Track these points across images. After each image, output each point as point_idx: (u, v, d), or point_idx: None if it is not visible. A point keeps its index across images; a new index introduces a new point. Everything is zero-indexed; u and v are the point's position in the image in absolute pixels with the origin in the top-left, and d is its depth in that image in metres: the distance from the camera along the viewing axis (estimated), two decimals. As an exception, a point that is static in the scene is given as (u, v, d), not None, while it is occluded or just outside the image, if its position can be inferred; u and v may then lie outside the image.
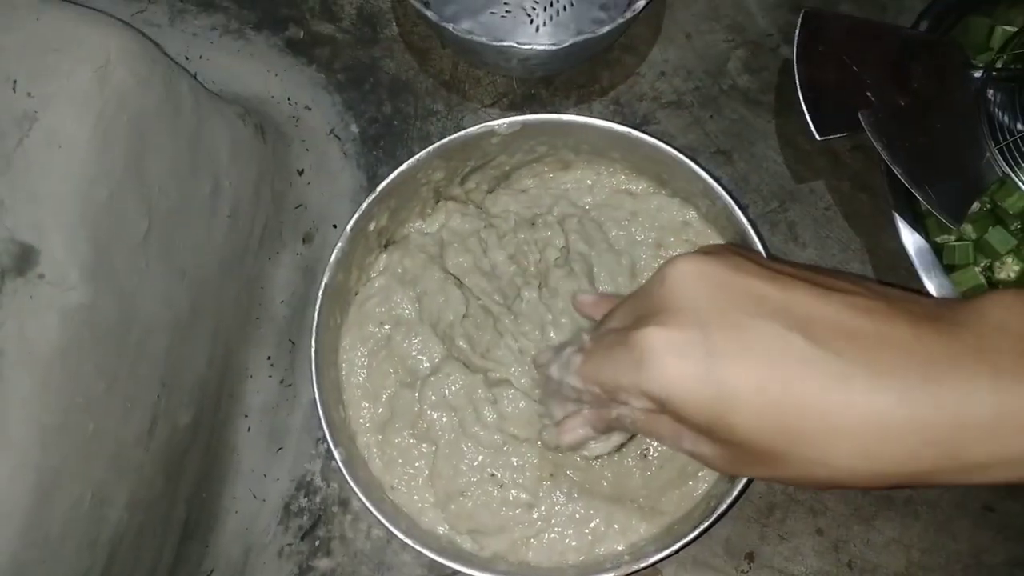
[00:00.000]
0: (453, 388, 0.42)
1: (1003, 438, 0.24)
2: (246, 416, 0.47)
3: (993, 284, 0.45)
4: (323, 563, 0.45)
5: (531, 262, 0.44)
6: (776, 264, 0.28)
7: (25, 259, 0.33)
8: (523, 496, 0.41)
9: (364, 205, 0.41)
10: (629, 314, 0.29)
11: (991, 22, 0.49)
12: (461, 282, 0.44)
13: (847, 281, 0.27)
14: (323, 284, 0.41)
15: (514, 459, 0.41)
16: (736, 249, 0.29)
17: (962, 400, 0.24)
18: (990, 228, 0.45)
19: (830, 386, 0.24)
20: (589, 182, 0.46)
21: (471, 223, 0.45)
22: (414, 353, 0.43)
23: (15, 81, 0.34)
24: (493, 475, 0.41)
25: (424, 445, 0.42)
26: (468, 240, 0.45)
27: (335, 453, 0.39)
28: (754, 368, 0.25)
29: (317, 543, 0.45)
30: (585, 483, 0.41)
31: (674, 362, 0.25)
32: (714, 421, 0.26)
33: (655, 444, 0.42)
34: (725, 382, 0.25)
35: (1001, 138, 0.45)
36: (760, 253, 0.30)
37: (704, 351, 0.25)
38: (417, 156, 0.42)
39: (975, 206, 0.45)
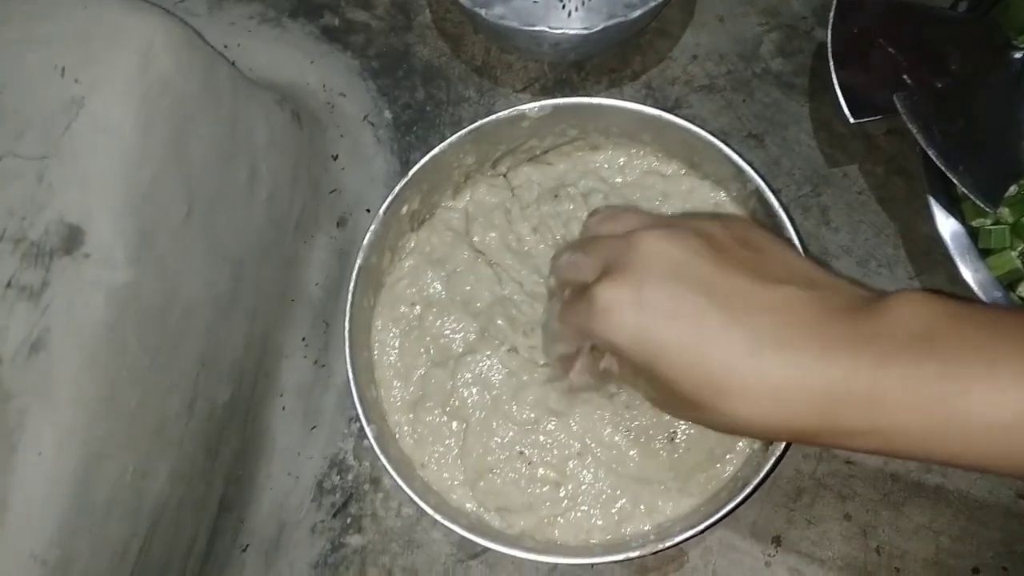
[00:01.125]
0: (484, 368, 0.42)
1: (872, 411, 0.29)
2: (281, 395, 0.48)
3: (1030, 269, 0.44)
4: (354, 540, 0.46)
5: (557, 236, 0.45)
6: (737, 251, 0.32)
7: (72, 239, 0.34)
8: (551, 474, 0.41)
9: (396, 189, 0.42)
10: (597, 265, 0.34)
11: (1034, 2, 0.48)
12: (494, 263, 0.45)
13: (791, 270, 0.32)
14: (356, 267, 0.42)
15: (542, 437, 0.42)
16: (705, 230, 0.33)
17: (843, 376, 0.29)
18: (1028, 212, 0.44)
19: (740, 353, 0.29)
20: (620, 162, 0.46)
21: (497, 195, 0.46)
22: (447, 332, 0.44)
23: (63, 68, 0.35)
24: (522, 453, 0.42)
25: (455, 423, 0.43)
26: (493, 213, 0.45)
27: (367, 430, 0.40)
28: (678, 330, 0.30)
29: (349, 520, 0.46)
30: (612, 463, 0.42)
31: (617, 313, 0.31)
32: (647, 366, 0.31)
33: (682, 427, 0.42)
34: (654, 338, 0.30)
35: (1041, 120, 0.44)
36: (734, 238, 0.34)
37: (640, 309, 0.31)
38: (448, 140, 0.42)
39: (1012, 189, 0.45)
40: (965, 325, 0.29)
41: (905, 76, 0.45)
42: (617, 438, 0.42)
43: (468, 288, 0.44)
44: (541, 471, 0.41)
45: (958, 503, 0.45)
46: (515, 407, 0.42)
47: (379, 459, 0.40)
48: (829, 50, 0.45)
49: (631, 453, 0.42)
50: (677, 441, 0.42)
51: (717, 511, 0.39)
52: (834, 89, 0.45)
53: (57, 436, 0.33)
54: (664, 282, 0.31)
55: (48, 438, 0.33)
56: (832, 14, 0.46)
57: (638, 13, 0.44)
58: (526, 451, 0.42)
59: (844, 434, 0.30)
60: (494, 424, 0.42)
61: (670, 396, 0.32)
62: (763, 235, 0.34)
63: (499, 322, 0.43)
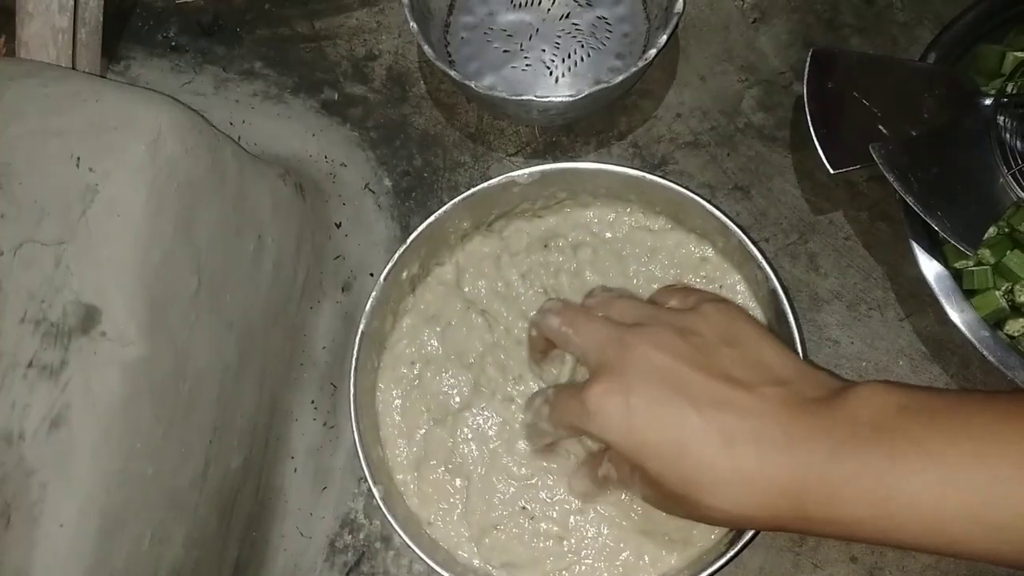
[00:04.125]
0: (481, 421, 0.44)
1: (831, 502, 0.31)
2: (292, 457, 0.49)
3: (1015, 307, 0.45)
4: (368, 597, 0.47)
5: (545, 286, 0.46)
6: (720, 351, 0.35)
7: (89, 319, 0.36)
8: (554, 529, 0.42)
9: (396, 256, 0.44)
10: (587, 351, 0.37)
11: (1002, 49, 0.49)
12: (483, 311, 0.46)
13: (765, 367, 0.35)
14: (360, 331, 0.43)
15: (543, 493, 0.43)
16: (691, 332, 0.36)
17: (804, 470, 0.31)
18: (1008, 252, 0.45)
19: (716, 451, 0.32)
20: (610, 218, 0.48)
21: (488, 246, 0.47)
22: (445, 389, 0.45)
23: (79, 158, 0.38)
24: (524, 508, 0.42)
25: (458, 480, 0.44)
26: (483, 263, 0.47)
27: (374, 490, 0.42)
28: (661, 431, 0.33)
29: (361, 578, 0.47)
30: (615, 516, 0.42)
31: (608, 416, 0.34)
32: (636, 463, 0.35)
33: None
34: (641, 438, 0.34)
35: (1014, 163, 0.45)
36: (719, 338, 0.36)
37: (629, 412, 0.34)
38: (444, 208, 0.44)
39: (992, 231, 0.46)
40: (911, 418, 0.31)
41: (880, 126, 0.47)
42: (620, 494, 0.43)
43: (461, 340, 0.46)
44: (544, 526, 0.42)
45: (961, 541, 0.46)
46: (511, 461, 0.43)
47: (387, 518, 0.41)
48: (806, 104, 0.47)
49: (635, 506, 0.42)
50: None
51: (721, 558, 0.40)
52: (813, 141, 0.46)
53: (77, 507, 0.34)
54: (650, 387, 0.34)
55: (68, 510, 0.34)
56: (807, 69, 0.48)
57: (621, 78, 0.47)
58: (528, 506, 0.43)
59: (812, 522, 0.32)
60: (494, 480, 0.43)
61: (660, 493, 0.35)
62: (744, 327, 0.37)
63: (490, 371, 0.45)
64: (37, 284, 0.36)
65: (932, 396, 0.32)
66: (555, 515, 0.42)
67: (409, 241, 0.44)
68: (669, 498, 0.35)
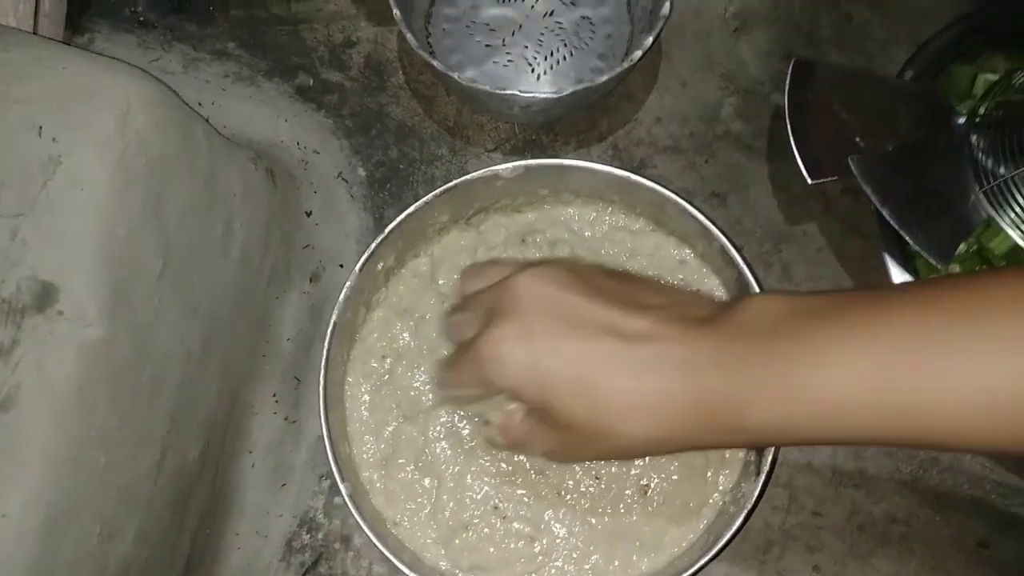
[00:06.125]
0: (456, 419, 0.43)
1: (737, 413, 0.31)
2: (250, 452, 0.47)
3: (982, 323, 0.46)
4: (326, 599, 0.45)
5: None
6: (601, 280, 0.35)
7: (45, 296, 0.34)
8: (526, 528, 0.41)
9: (372, 247, 0.43)
10: (479, 317, 0.36)
11: (974, 70, 0.50)
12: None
13: (660, 295, 0.35)
14: (332, 323, 0.42)
15: (520, 490, 0.42)
16: (570, 265, 0.36)
17: (706, 386, 0.32)
18: (977, 268, 0.46)
19: (621, 377, 0.32)
20: (590, 217, 0.47)
21: (465, 239, 0.47)
22: (416, 385, 0.44)
23: (40, 127, 0.36)
24: (496, 507, 0.42)
25: (427, 480, 0.43)
26: (459, 256, 0.46)
27: (341, 487, 0.40)
28: (565, 365, 0.33)
29: (320, 579, 0.46)
30: (587, 516, 0.42)
31: (506, 352, 0.33)
32: (544, 404, 0.34)
33: (655, 479, 0.42)
34: (544, 368, 0.33)
35: (985, 181, 0.46)
36: (596, 269, 0.37)
37: (528, 341, 0.33)
38: (424, 199, 0.43)
39: (962, 247, 0.47)
40: (804, 321, 0.31)
41: (858, 139, 0.47)
42: (591, 489, 0.42)
43: (434, 335, 0.45)
44: (516, 526, 0.41)
45: (923, 553, 0.46)
46: (489, 461, 0.42)
47: (351, 517, 0.40)
48: (786, 114, 0.47)
49: (606, 507, 0.42)
50: (650, 494, 0.42)
51: (690, 566, 0.39)
52: (791, 151, 0.47)
53: (23, 496, 0.32)
54: (546, 322, 0.33)
55: (14, 498, 0.32)
56: (788, 80, 0.48)
57: (604, 78, 0.46)
58: (501, 505, 0.42)
59: (724, 433, 0.33)
60: (468, 479, 0.42)
61: (569, 431, 0.34)
62: (612, 270, 0.38)
63: None
64: (-10, 257, 0.34)
65: (820, 298, 0.32)
66: (528, 515, 0.41)
67: (387, 231, 0.43)
68: (580, 437, 0.34)
